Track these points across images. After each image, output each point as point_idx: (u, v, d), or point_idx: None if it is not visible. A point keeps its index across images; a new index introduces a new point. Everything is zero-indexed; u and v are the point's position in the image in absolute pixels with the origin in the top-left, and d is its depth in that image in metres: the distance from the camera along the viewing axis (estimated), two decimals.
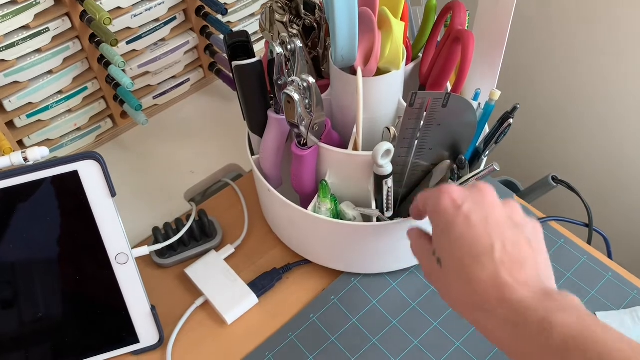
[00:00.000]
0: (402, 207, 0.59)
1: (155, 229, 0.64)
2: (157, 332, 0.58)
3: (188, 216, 0.66)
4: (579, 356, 0.35)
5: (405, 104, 0.56)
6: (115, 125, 0.79)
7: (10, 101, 0.66)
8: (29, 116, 0.69)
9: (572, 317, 0.37)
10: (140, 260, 0.64)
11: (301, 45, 0.51)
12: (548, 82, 0.85)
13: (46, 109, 0.70)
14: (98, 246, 0.54)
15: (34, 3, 0.62)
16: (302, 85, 0.50)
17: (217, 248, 0.66)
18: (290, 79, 0.51)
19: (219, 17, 0.76)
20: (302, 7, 0.57)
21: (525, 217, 0.45)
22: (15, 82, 0.65)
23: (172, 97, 0.82)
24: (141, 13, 0.71)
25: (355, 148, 0.56)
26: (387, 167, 0.53)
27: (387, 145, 0.51)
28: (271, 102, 0.57)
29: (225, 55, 0.79)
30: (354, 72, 0.53)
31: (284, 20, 0.59)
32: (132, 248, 0.55)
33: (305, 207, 0.57)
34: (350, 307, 0.61)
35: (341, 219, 0.58)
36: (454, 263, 0.43)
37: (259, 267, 0.65)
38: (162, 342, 0.59)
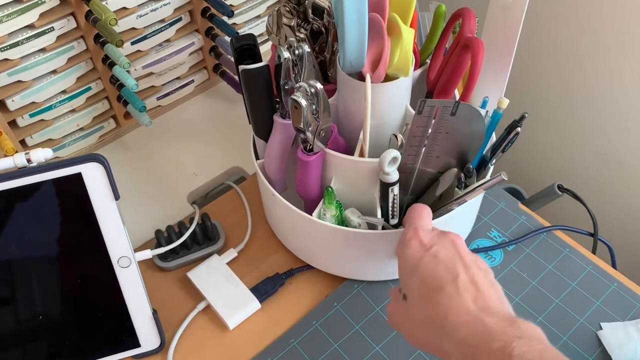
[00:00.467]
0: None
1: (158, 232, 0.64)
2: (158, 337, 0.58)
3: (191, 219, 0.66)
4: None
5: (412, 111, 0.55)
6: (118, 125, 0.78)
7: (13, 100, 0.65)
8: (31, 115, 0.68)
9: (533, 348, 0.37)
10: (142, 263, 0.63)
11: (309, 50, 0.50)
12: (554, 90, 0.84)
13: (49, 108, 0.69)
14: (100, 249, 0.53)
15: (39, 2, 0.61)
16: (310, 91, 0.50)
17: (220, 252, 0.65)
18: (297, 84, 0.51)
19: (225, 18, 0.75)
20: (310, 11, 0.57)
21: (486, 263, 0.46)
22: (19, 81, 0.65)
23: (176, 98, 0.82)
24: (147, 13, 0.70)
25: (362, 154, 0.55)
26: (394, 175, 0.52)
27: (394, 153, 0.51)
28: (277, 106, 0.56)
29: (230, 57, 0.78)
30: (361, 77, 0.53)
31: (292, 24, 0.58)
32: (135, 251, 0.55)
33: (310, 213, 0.57)
34: (353, 314, 0.61)
35: (346, 226, 0.57)
36: (420, 295, 0.44)
37: (262, 272, 0.64)
38: (163, 347, 0.58)
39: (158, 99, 0.80)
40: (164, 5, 0.71)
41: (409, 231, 0.48)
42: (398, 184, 0.53)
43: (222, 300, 0.61)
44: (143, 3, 0.69)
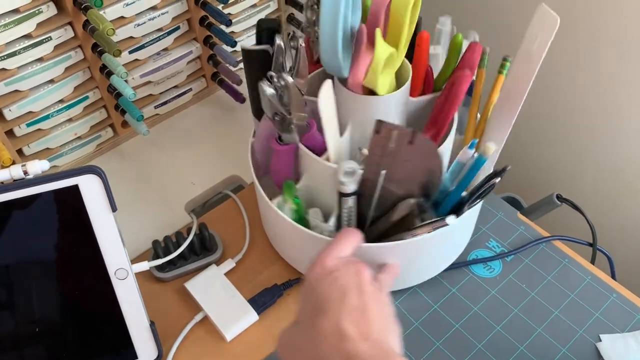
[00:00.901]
0: (369, 230, 0.58)
1: (155, 242, 0.63)
2: (155, 348, 0.58)
3: (188, 229, 0.65)
4: None
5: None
6: (115, 134, 0.78)
7: (10, 110, 0.65)
8: (28, 125, 0.68)
9: None
10: (139, 273, 0.63)
11: (303, 44, 0.51)
12: (553, 100, 0.84)
13: (46, 117, 0.69)
14: (97, 261, 0.53)
15: (37, 12, 0.61)
16: (280, 83, 0.51)
17: (218, 262, 0.65)
18: (269, 74, 0.51)
19: (223, 27, 0.75)
20: None
21: (390, 301, 0.44)
22: (16, 90, 0.65)
23: (174, 106, 0.82)
24: (144, 22, 0.70)
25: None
26: (350, 186, 0.53)
27: (350, 164, 0.52)
28: None
29: (229, 66, 0.78)
30: (344, 82, 0.54)
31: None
32: (132, 262, 0.54)
33: None
34: None
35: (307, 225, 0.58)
36: (306, 319, 0.42)
37: (260, 283, 0.64)
38: (160, 358, 0.58)
39: (156, 107, 0.80)
40: (162, 14, 0.71)
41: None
42: (355, 198, 0.54)
43: (220, 311, 0.61)
44: (141, 12, 0.69)
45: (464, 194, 0.54)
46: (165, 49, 0.75)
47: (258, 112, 0.60)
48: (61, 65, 0.66)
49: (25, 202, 0.49)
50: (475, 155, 0.51)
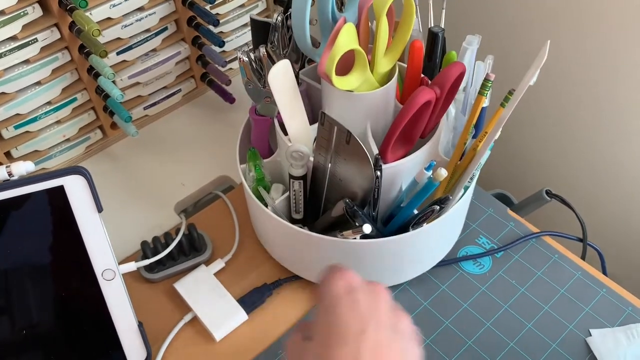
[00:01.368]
0: (318, 222, 0.58)
1: (144, 243, 0.63)
2: (144, 349, 0.57)
3: (177, 230, 0.65)
4: None
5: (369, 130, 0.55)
6: (105, 136, 0.78)
7: None
8: (16, 127, 0.68)
9: None
10: (128, 274, 0.63)
11: None
12: (542, 95, 0.84)
13: (34, 120, 0.69)
14: (84, 262, 0.52)
15: (22, 14, 0.61)
16: (255, 55, 0.55)
17: (207, 262, 0.65)
18: (246, 44, 0.55)
19: (211, 27, 0.75)
20: None
21: (410, 328, 0.43)
22: (3, 93, 0.65)
23: (163, 108, 0.82)
24: (132, 23, 0.70)
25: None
26: (297, 170, 0.54)
27: (300, 149, 0.53)
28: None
29: (217, 66, 0.78)
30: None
31: None
32: (120, 263, 0.54)
33: None
34: None
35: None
36: (320, 342, 0.41)
37: (250, 282, 0.64)
38: (149, 359, 0.58)
39: (145, 108, 0.79)
40: (150, 15, 0.71)
41: (338, 270, 0.44)
42: (301, 182, 0.55)
43: (209, 311, 0.60)
44: (128, 13, 0.69)
45: (415, 211, 0.55)
46: (154, 50, 0.75)
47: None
48: (48, 67, 0.66)
49: (11, 203, 0.49)
50: (429, 177, 0.52)
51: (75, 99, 0.71)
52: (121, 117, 0.70)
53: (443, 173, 0.50)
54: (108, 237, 0.52)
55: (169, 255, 0.63)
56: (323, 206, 0.58)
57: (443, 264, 0.64)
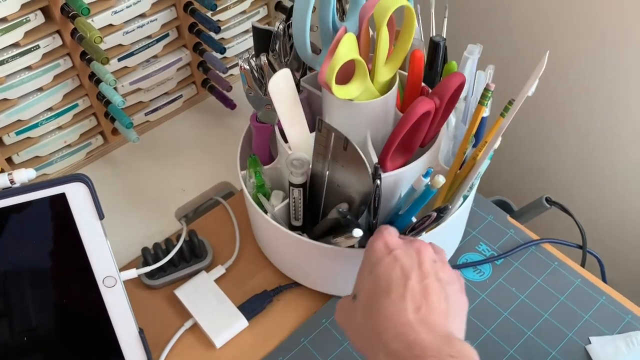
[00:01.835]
0: (316, 227, 0.59)
1: (145, 250, 0.63)
2: (144, 356, 0.57)
3: (178, 236, 0.65)
4: None
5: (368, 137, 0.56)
6: (106, 141, 0.78)
7: None
8: (18, 133, 0.68)
9: None
10: (128, 280, 0.62)
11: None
12: (542, 102, 0.85)
13: (36, 126, 0.69)
14: (85, 269, 0.53)
15: (24, 21, 0.61)
16: (256, 63, 0.55)
17: (208, 269, 0.65)
18: (249, 51, 0.55)
19: (212, 34, 0.75)
20: None
21: (453, 275, 0.45)
22: (5, 99, 0.65)
23: (164, 113, 0.82)
24: (133, 30, 0.70)
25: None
26: (296, 178, 0.54)
27: (297, 155, 0.53)
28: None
29: (218, 72, 0.78)
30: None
31: None
32: (121, 269, 0.54)
33: None
34: (342, 331, 0.60)
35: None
36: (367, 296, 0.43)
37: (250, 289, 0.64)
38: None
39: (146, 114, 0.80)
40: (151, 21, 0.71)
41: (376, 233, 0.48)
42: (301, 190, 0.55)
43: (210, 318, 0.61)
44: (130, 20, 0.69)
45: (414, 219, 0.55)
46: (155, 56, 0.75)
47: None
48: (50, 74, 0.66)
49: (12, 211, 0.49)
50: (426, 184, 0.52)
51: (76, 105, 0.71)
52: (122, 123, 0.70)
53: (441, 180, 0.50)
54: (109, 245, 0.52)
55: (169, 262, 0.63)
56: (322, 212, 0.58)
57: None
